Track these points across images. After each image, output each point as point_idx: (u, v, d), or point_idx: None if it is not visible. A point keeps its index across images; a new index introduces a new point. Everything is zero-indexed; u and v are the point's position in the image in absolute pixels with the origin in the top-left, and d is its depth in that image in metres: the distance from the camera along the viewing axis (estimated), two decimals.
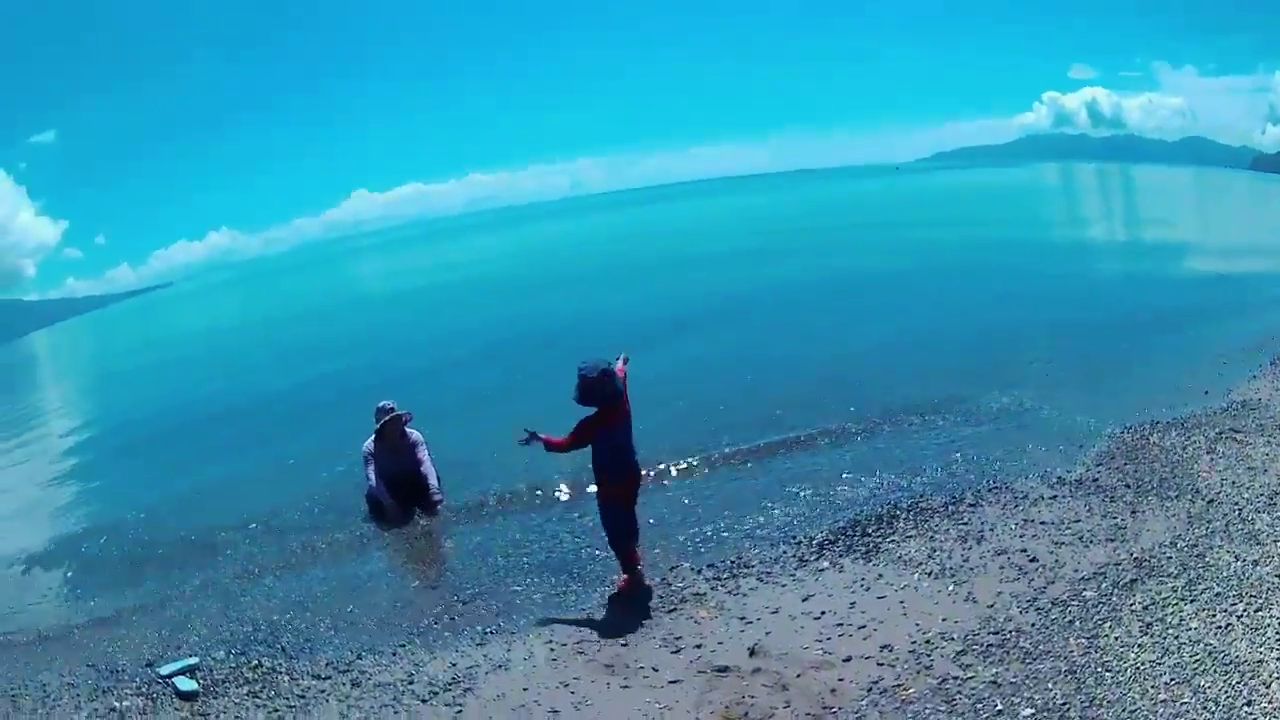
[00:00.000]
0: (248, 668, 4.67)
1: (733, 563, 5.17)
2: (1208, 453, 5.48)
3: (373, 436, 6.83)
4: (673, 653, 4.32)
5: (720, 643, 4.33)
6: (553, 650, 4.51)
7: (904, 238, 19.88)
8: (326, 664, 4.71)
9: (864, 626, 4.29)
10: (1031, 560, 4.64)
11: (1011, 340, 9.67)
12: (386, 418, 6.79)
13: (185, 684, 4.57)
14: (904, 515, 5.38)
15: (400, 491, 6.79)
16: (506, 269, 34.07)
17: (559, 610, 4.98)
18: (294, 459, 9.05)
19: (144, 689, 4.60)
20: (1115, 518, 4.92)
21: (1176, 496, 5.00)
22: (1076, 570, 4.47)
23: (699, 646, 4.32)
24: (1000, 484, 5.59)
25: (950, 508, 5.38)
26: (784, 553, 5.18)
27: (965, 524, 5.13)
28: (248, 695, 4.49)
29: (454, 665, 4.50)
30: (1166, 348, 8.44)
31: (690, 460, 6.98)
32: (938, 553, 4.86)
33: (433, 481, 6.83)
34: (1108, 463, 5.62)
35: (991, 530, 5.01)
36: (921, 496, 5.63)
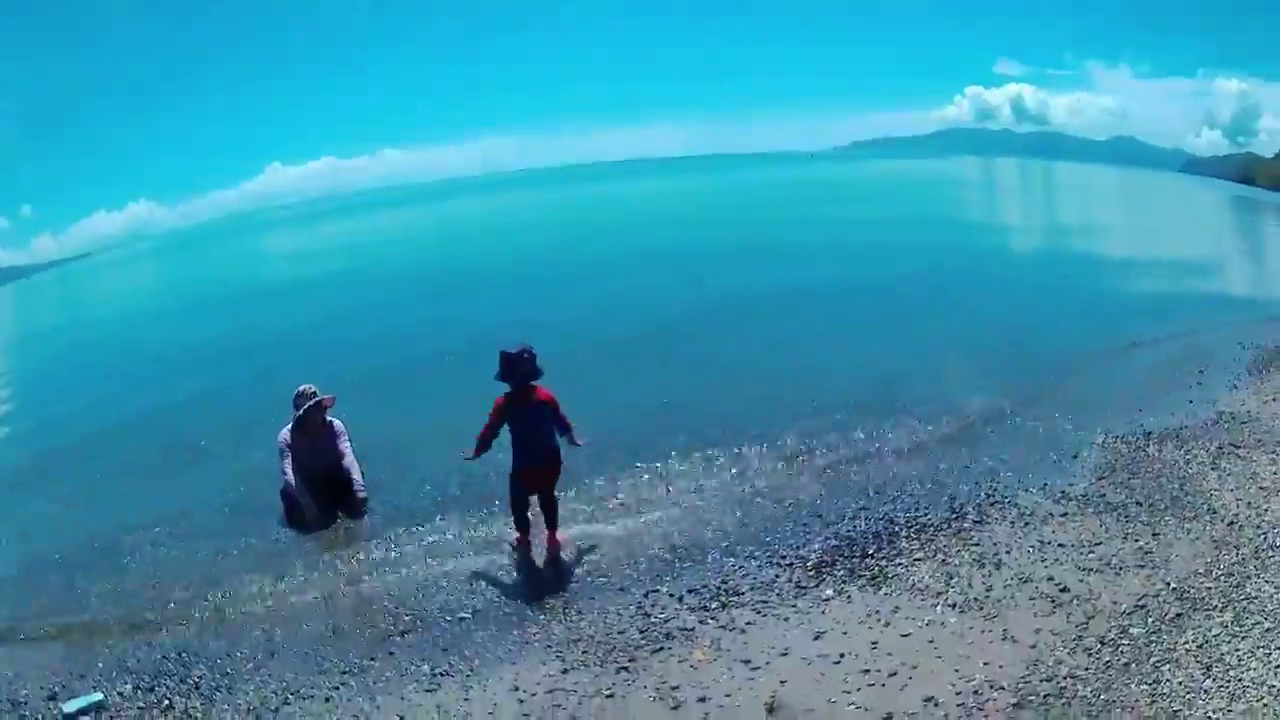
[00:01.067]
0: (158, 709, 3.87)
1: (719, 588, 4.32)
2: (1213, 469, 5.18)
3: (289, 426, 5.72)
4: (672, 709, 3.44)
5: (728, 695, 3.48)
6: (523, 703, 3.58)
7: (836, 237, 19.46)
8: (248, 710, 3.78)
9: (895, 674, 3.54)
10: (1062, 590, 4.07)
11: (970, 341, 9.26)
12: (308, 404, 5.64)
13: None
14: (904, 533, 4.72)
15: (320, 489, 5.71)
16: (413, 247, 31.71)
17: (520, 644, 4.05)
18: (204, 448, 7.81)
19: None
20: (1137, 540, 4.47)
21: (1194, 518, 4.63)
22: (1115, 602, 3.94)
23: (703, 700, 3.46)
24: (1001, 498, 5.05)
25: (954, 524, 4.78)
26: (776, 577, 4.38)
27: (977, 545, 4.52)
28: None
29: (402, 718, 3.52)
30: (1137, 354, 8.29)
31: (646, 465, 6.05)
32: (955, 580, 4.20)
33: (356, 476, 5.73)
34: (1110, 476, 5.21)
35: (1008, 553, 4.42)
36: (918, 511, 5.00)
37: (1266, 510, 4.59)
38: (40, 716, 3.90)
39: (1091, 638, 3.69)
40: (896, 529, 4.78)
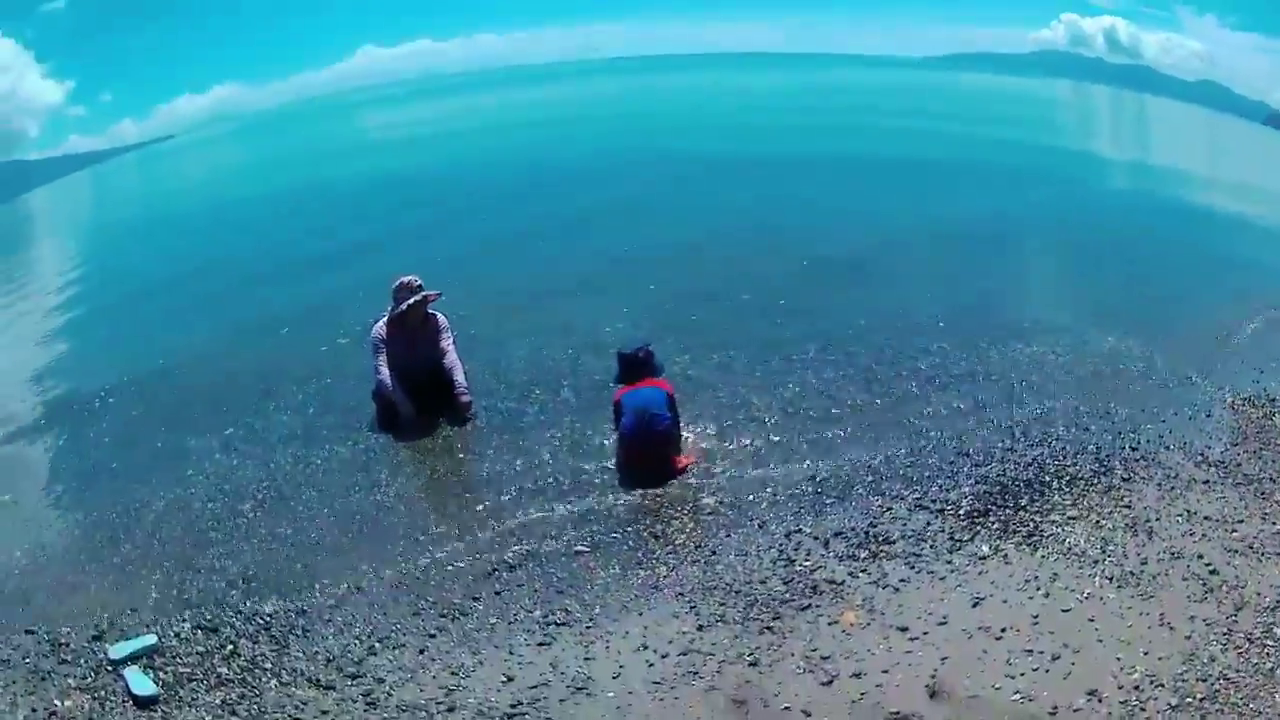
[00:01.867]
0: (220, 657, 3.53)
1: (867, 533, 4.15)
2: None
3: (383, 319, 5.17)
4: (823, 684, 3.31)
5: (885, 671, 3.36)
6: (653, 667, 3.40)
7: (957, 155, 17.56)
8: (327, 662, 3.51)
9: (1058, 657, 3.46)
10: (1212, 572, 3.93)
11: (1087, 266, 8.56)
12: (412, 298, 5.05)
13: (140, 684, 3.32)
14: (1054, 484, 4.51)
15: (417, 390, 5.27)
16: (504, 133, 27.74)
17: (648, 589, 3.85)
18: (287, 329, 7.49)
19: (90, 679, 3.49)
20: (1275, 523, 4.29)
21: None
22: (1259, 593, 3.80)
23: (858, 677, 3.33)
24: (1145, 454, 4.80)
25: (1101, 479, 4.56)
26: (928, 524, 4.20)
27: (1128, 508, 4.34)
28: (222, 707, 3.26)
29: (510, 680, 3.35)
30: (1246, 310, 7.41)
31: (771, 377, 5.76)
32: (1110, 547, 4.05)
33: (459, 378, 5.26)
34: (1242, 444, 4.92)
35: (1158, 521, 4.24)
36: (1065, 458, 4.76)
37: None
38: (84, 661, 3.56)
39: (1240, 633, 3.55)
40: (1047, 479, 4.55)
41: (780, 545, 4.07)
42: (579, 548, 4.15)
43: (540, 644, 3.53)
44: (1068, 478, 4.57)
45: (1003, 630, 3.55)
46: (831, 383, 5.70)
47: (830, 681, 3.29)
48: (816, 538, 4.11)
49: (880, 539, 4.09)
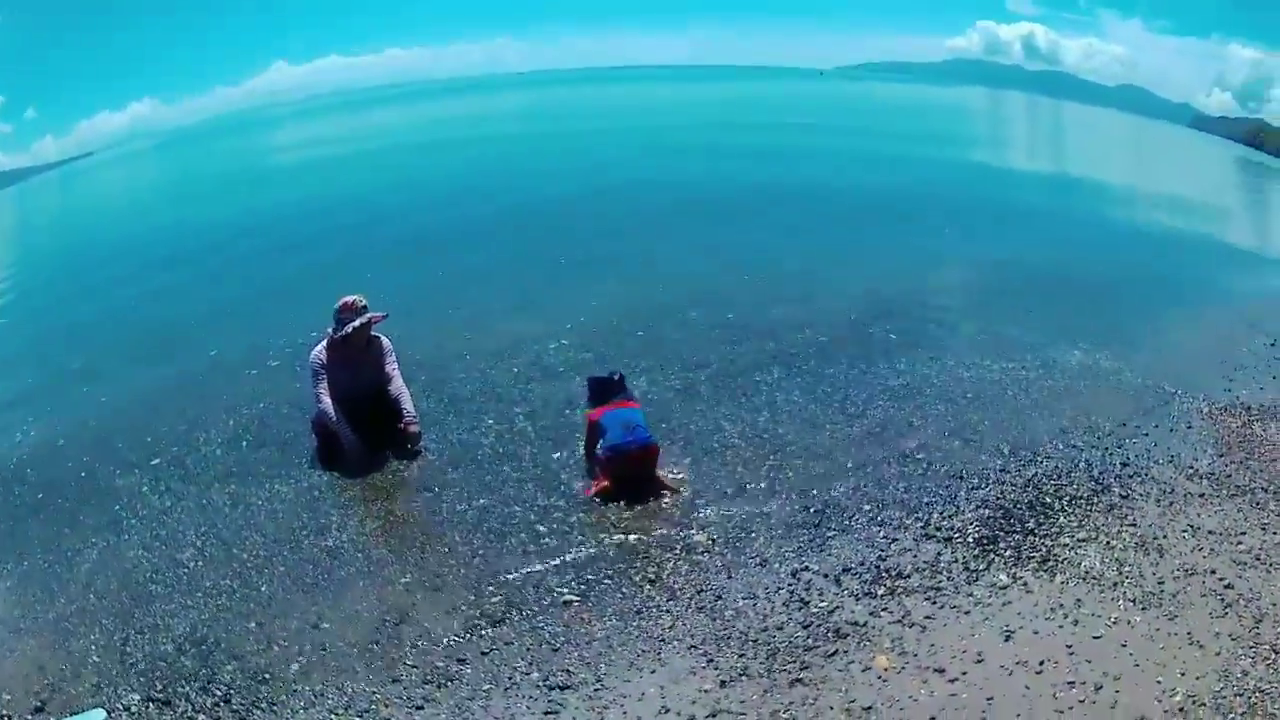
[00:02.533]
0: None
1: (878, 568, 3.83)
2: None
3: (323, 342, 4.70)
4: None
5: (933, 718, 3.01)
6: None
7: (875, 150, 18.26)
8: None
9: (1101, 687, 3.21)
10: (1227, 587, 3.82)
11: (1035, 282, 8.70)
12: (357, 319, 4.59)
13: None
14: (1057, 505, 4.34)
15: (360, 420, 4.78)
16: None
17: (654, 642, 3.42)
18: (214, 351, 6.94)
19: None
20: (1275, 534, 4.27)
21: None
22: (1274, 604, 3.73)
23: None
24: (1137, 469, 4.73)
25: (1101, 498, 4.42)
26: (939, 554, 3.92)
27: (1133, 525, 4.20)
28: None
29: None
30: (1192, 313, 7.88)
31: (743, 400, 5.48)
32: (1126, 568, 3.88)
33: (408, 406, 4.81)
34: (1228, 454, 4.94)
35: (1165, 538, 4.12)
36: (1060, 477, 4.62)
37: None
38: None
39: (1265, 645, 3.44)
40: (1048, 499, 4.38)
41: (789, 585, 3.70)
42: (567, 596, 3.66)
43: (547, 713, 3.04)
44: (1068, 498, 4.41)
45: (1041, 663, 3.29)
46: (803, 406, 5.46)
47: None
48: (826, 575, 3.76)
49: (893, 573, 3.78)
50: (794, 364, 6.08)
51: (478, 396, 5.70)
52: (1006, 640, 3.41)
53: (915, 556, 3.90)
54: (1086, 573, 3.83)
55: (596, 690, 3.15)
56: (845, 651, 3.31)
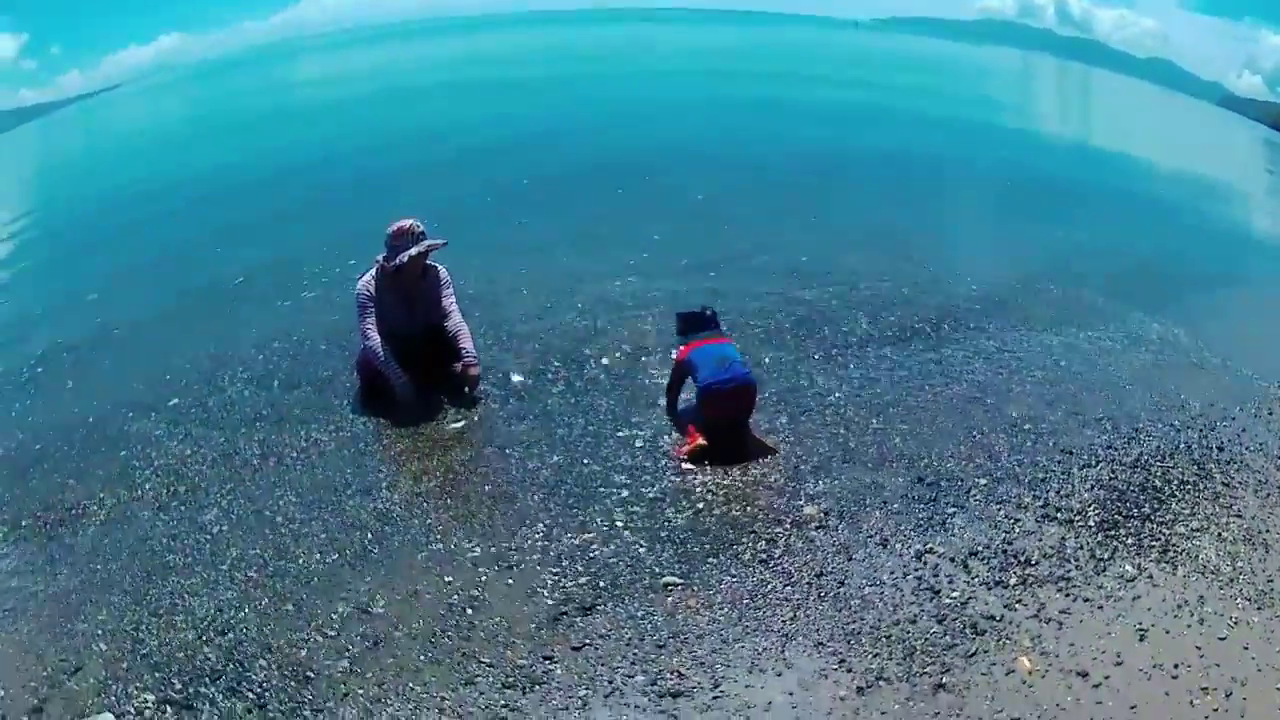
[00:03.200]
0: None
1: (1005, 553, 3.75)
2: None
3: (372, 272, 4.30)
4: None
5: None
6: None
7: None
8: None
9: (1230, 694, 3.24)
10: None
11: (1101, 254, 8.65)
12: (414, 247, 4.21)
13: None
14: (1166, 489, 4.33)
15: (411, 359, 4.44)
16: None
17: (778, 637, 3.25)
18: (241, 279, 6.63)
19: None
20: None
21: None
22: None
23: None
24: (1231, 456, 4.72)
25: (1206, 485, 4.42)
26: (1065, 541, 3.87)
27: (1239, 516, 4.22)
28: None
29: None
30: (1254, 290, 8.11)
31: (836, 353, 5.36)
32: (1239, 563, 3.90)
33: (468, 345, 4.45)
34: None
35: (1269, 532, 4.13)
36: (1165, 458, 4.59)
37: None
38: None
39: None
40: (1157, 482, 4.34)
41: (915, 570, 3.58)
42: (668, 579, 3.44)
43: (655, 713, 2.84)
44: (1175, 481, 4.39)
45: (1175, 666, 3.28)
46: (898, 364, 5.28)
47: None
48: (953, 560, 3.66)
49: (1021, 559, 3.70)
50: (878, 317, 5.90)
51: (540, 336, 5.38)
52: (1141, 640, 3.39)
53: (1040, 541, 3.82)
54: (1204, 567, 3.84)
55: (715, 698, 2.91)
56: (986, 651, 3.23)
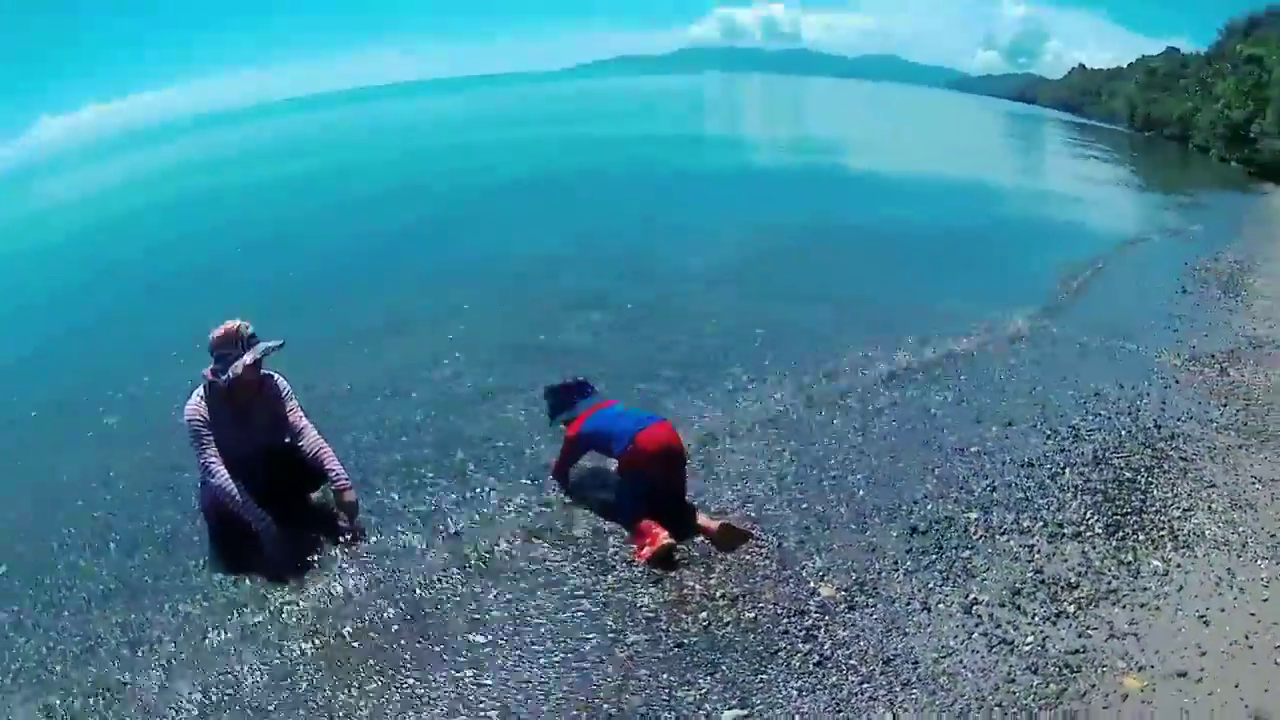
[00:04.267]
0: None
1: (1043, 582, 3.85)
2: None
3: (199, 391, 3.97)
4: None
5: None
6: None
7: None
8: None
9: None
10: None
11: (902, 247, 10.08)
12: (248, 356, 3.87)
13: None
14: (1140, 479, 4.74)
15: (258, 490, 4.00)
16: None
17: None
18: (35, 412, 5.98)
19: None
20: None
21: None
22: None
23: None
24: (1173, 431, 5.35)
25: (1168, 465, 4.92)
26: (1087, 555, 4.07)
27: (1213, 485, 4.71)
28: None
29: None
30: (1093, 272, 9.62)
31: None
32: (1239, 528, 4.30)
33: (335, 465, 4.14)
34: (1230, 404, 5.82)
35: (1244, 493, 4.63)
36: (1118, 449, 5.09)
37: None
38: None
39: None
40: (1126, 475, 4.78)
41: (975, 626, 3.51)
42: (732, 713, 3.04)
43: None
44: (1141, 468, 4.86)
45: (1246, 638, 3.51)
46: (797, 407, 5.60)
47: None
48: (1002, 604, 3.65)
49: (1062, 584, 3.80)
50: (750, 359, 6.39)
51: (385, 443, 5.13)
52: (1206, 625, 3.59)
53: (1065, 561, 3.98)
54: (1215, 541, 4.20)
55: None
56: (1093, 685, 3.22)
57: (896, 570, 3.89)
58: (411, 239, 11.25)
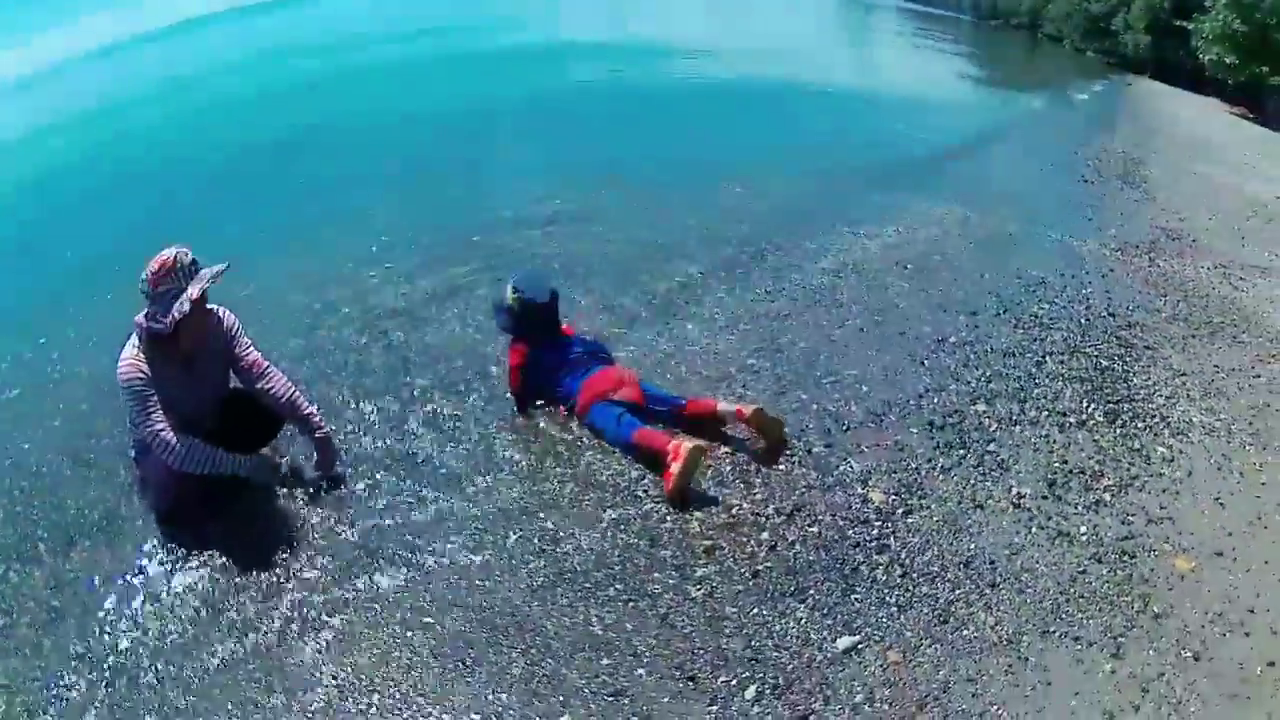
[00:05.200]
0: None
1: (1071, 472, 4.08)
2: (1231, 286, 6.75)
3: (133, 342, 3.41)
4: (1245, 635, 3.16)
5: (1258, 596, 3.35)
6: None
7: None
8: None
9: None
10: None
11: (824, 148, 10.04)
12: (194, 288, 3.34)
13: None
14: (1116, 368, 5.08)
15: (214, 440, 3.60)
16: None
17: (983, 629, 3.13)
18: None
19: None
20: (1274, 362, 5.44)
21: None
22: None
23: (1252, 612, 3.27)
24: (1127, 321, 5.73)
25: (1136, 354, 5.29)
26: (1098, 443, 4.33)
27: (1183, 374, 5.09)
28: None
29: None
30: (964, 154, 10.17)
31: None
32: (1220, 415, 4.68)
33: (309, 407, 3.81)
34: (1169, 295, 6.32)
35: (1211, 381, 5.06)
36: (1086, 339, 5.45)
37: None
38: None
39: None
40: (1104, 363, 5.11)
41: (1029, 520, 3.67)
42: (842, 644, 3.02)
43: None
44: (1115, 356, 5.21)
45: (1259, 518, 3.85)
46: (756, 306, 5.63)
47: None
48: (1044, 496, 3.83)
49: (1089, 473, 4.03)
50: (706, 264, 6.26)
51: (333, 371, 4.71)
52: (1223, 508, 3.91)
53: (1082, 450, 4.22)
54: (1203, 427, 4.56)
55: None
56: (1151, 569, 3.45)
57: (934, 469, 3.97)
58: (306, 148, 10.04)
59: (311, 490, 3.72)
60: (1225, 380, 5.09)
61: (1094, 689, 2.89)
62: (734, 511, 3.62)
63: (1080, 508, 3.78)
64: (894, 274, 6.25)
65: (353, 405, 4.37)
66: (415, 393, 4.48)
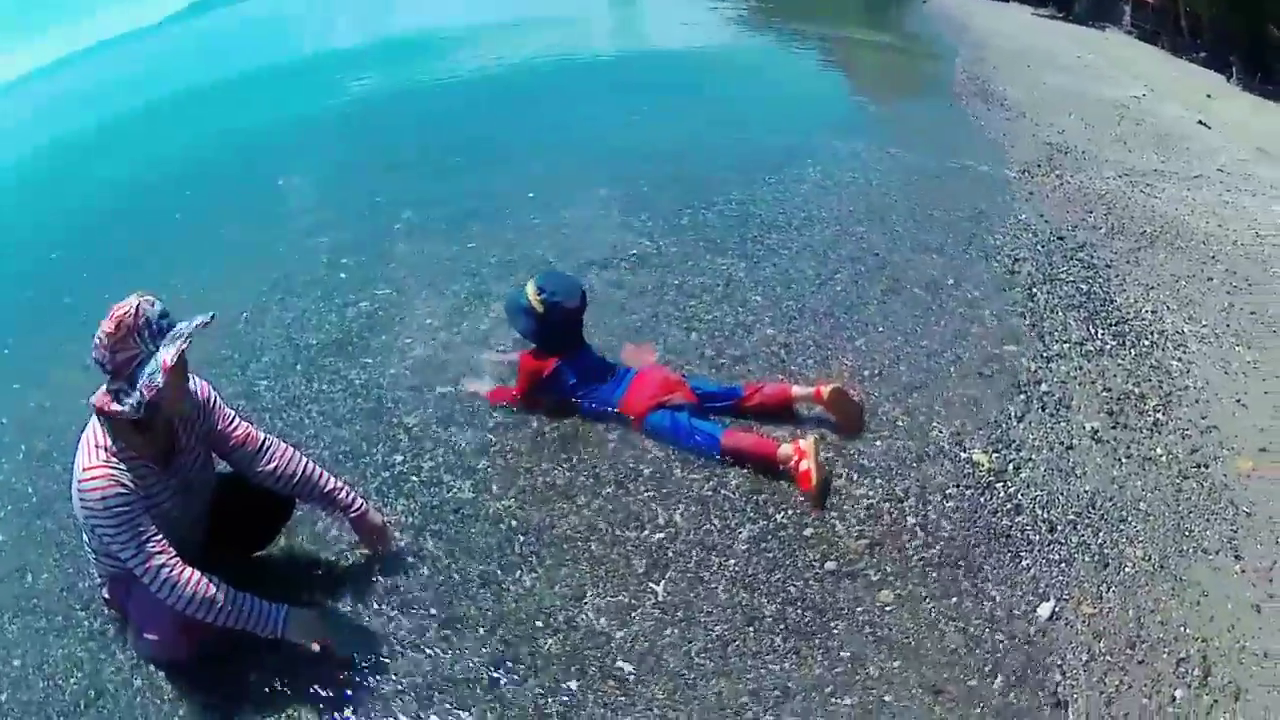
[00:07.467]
0: None
1: (1121, 397, 4.97)
2: (1142, 193, 8.01)
3: (95, 439, 2.93)
4: None
5: None
6: None
7: None
8: None
9: None
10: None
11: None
12: (170, 353, 2.85)
13: None
14: (1100, 292, 6.05)
15: (195, 555, 3.15)
16: None
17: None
18: None
19: None
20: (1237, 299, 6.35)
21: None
22: None
23: None
24: (1076, 243, 6.73)
25: (1103, 275, 6.27)
26: (1125, 368, 5.24)
27: (1152, 286, 6.14)
28: None
29: None
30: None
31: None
32: (1204, 319, 5.82)
33: (335, 481, 3.53)
34: (1108, 218, 7.39)
35: (1178, 292, 6.13)
36: (1056, 268, 6.40)
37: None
38: None
39: None
40: (1083, 287, 6.10)
41: (1113, 452, 4.48)
42: (1043, 611, 3.66)
43: None
44: (1091, 280, 6.15)
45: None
46: (756, 270, 6.31)
47: None
48: (1112, 426, 4.67)
49: (1133, 397, 4.91)
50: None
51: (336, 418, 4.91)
52: (1247, 409, 4.87)
53: (1114, 376, 5.09)
54: (1196, 336, 5.57)
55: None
56: (1224, 475, 4.34)
57: (1009, 418, 4.64)
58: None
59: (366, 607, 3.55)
60: (1187, 288, 6.17)
61: (1237, 589, 3.68)
62: (865, 502, 4.10)
63: (1145, 431, 4.60)
64: (853, 217, 7.01)
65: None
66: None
